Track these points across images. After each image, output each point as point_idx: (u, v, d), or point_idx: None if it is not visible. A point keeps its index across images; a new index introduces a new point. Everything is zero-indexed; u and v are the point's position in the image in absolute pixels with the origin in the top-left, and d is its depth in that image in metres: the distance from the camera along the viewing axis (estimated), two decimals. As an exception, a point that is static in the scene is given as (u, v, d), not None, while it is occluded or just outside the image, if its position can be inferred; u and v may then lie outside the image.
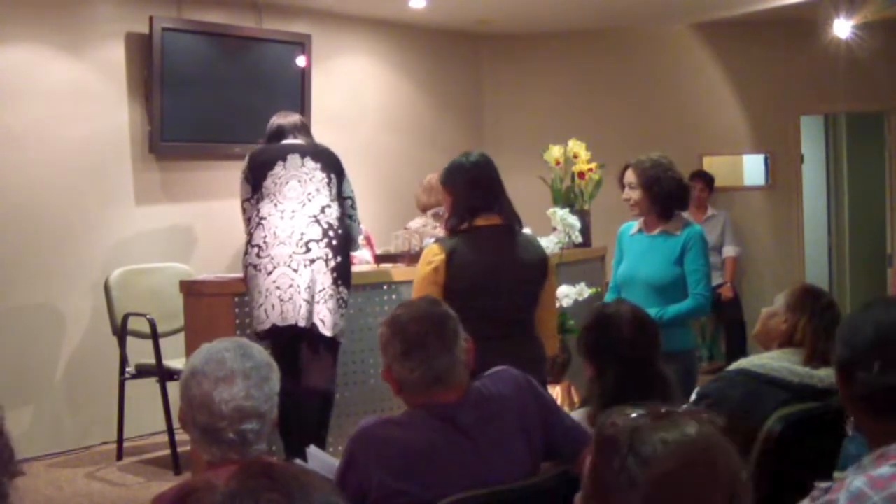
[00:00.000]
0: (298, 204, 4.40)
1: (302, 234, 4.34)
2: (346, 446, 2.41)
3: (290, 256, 4.30)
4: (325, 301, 4.30)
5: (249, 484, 1.11)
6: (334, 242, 4.36)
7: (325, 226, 4.38)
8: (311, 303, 4.27)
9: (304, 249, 4.31)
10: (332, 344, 4.40)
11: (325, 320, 4.29)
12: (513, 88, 8.41)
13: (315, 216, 4.39)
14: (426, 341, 2.43)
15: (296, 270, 4.29)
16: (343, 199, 4.58)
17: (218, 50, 6.34)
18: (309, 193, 4.43)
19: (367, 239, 5.32)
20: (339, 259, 4.36)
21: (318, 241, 4.34)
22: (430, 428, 2.40)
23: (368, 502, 2.33)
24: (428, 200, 5.58)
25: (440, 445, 2.39)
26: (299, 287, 4.27)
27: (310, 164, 4.50)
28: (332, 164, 4.57)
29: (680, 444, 1.31)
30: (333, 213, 4.45)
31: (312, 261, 4.31)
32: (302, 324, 4.25)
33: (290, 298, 4.26)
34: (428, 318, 2.49)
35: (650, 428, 1.34)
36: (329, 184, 4.50)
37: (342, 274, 4.38)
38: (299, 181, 4.44)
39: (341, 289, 4.36)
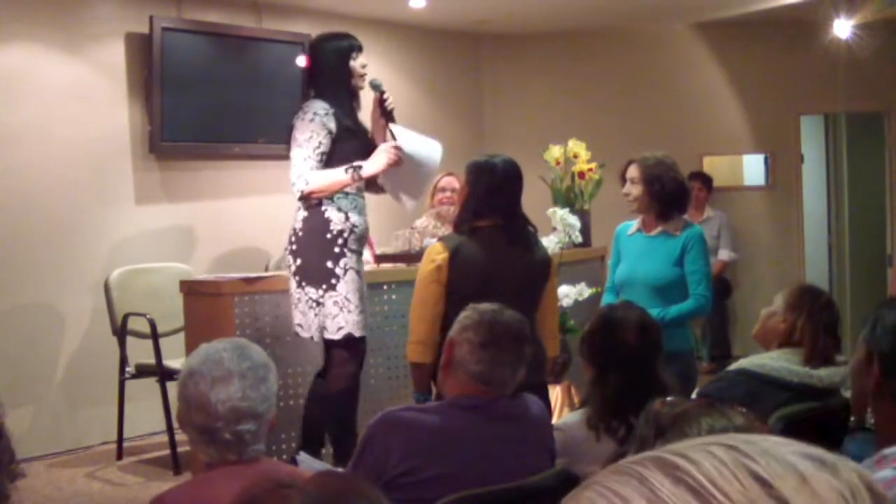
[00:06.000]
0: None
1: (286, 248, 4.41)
2: (366, 429, 2.50)
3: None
4: (295, 306, 4.32)
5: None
6: (294, 247, 4.31)
7: (291, 231, 4.35)
8: (293, 313, 4.34)
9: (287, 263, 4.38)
10: (333, 344, 4.36)
11: (301, 325, 4.31)
12: (513, 88, 8.40)
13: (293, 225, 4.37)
14: (505, 346, 2.53)
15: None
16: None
17: (218, 50, 6.34)
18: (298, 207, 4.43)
19: (368, 239, 5.30)
20: (298, 262, 4.29)
21: (286, 249, 4.37)
22: (456, 416, 2.51)
23: (381, 482, 2.36)
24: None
25: (463, 429, 2.49)
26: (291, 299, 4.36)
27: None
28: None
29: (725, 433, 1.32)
30: (300, 213, 4.33)
31: (289, 270, 4.36)
32: (299, 332, 4.34)
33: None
34: (516, 330, 2.58)
35: (698, 414, 1.35)
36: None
37: (304, 275, 4.29)
38: None
39: (307, 289, 4.27)
